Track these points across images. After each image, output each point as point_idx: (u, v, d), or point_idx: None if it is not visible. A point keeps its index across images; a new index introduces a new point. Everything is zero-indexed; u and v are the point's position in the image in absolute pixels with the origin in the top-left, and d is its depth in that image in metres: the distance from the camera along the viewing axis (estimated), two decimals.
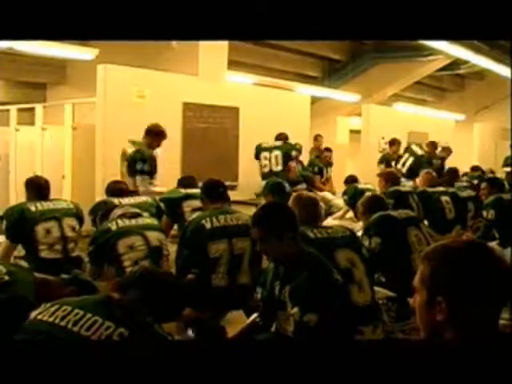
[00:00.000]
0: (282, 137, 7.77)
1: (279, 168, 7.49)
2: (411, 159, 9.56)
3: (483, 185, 6.37)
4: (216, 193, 3.99)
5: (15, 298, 2.33)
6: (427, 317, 1.44)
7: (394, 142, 9.71)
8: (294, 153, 7.54)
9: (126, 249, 3.58)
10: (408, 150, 9.78)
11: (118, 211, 3.85)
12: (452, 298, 1.39)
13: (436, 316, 1.41)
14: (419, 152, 9.61)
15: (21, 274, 2.53)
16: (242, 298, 3.63)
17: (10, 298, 2.32)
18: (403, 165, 9.38)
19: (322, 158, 9.41)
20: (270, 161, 7.55)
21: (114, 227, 3.66)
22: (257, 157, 7.56)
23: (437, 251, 1.48)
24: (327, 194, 8.41)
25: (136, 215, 3.82)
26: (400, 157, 9.58)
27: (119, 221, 3.71)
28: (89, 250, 3.74)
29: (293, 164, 7.47)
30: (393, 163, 9.38)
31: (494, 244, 5.05)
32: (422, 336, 1.48)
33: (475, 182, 7.69)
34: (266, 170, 7.49)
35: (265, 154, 7.60)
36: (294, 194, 3.80)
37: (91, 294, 2.25)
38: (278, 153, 7.55)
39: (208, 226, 3.73)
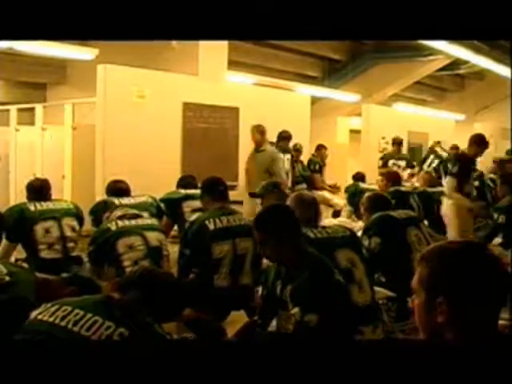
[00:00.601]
0: (280, 136, 7.76)
1: None
2: (436, 161, 9.87)
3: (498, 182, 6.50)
4: (217, 190, 3.96)
5: (16, 298, 2.33)
6: (426, 318, 1.44)
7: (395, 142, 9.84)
8: None
9: (126, 248, 3.58)
10: (432, 151, 10.22)
11: (117, 212, 3.85)
12: (452, 299, 1.39)
13: (436, 317, 1.40)
14: (444, 154, 9.94)
15: (22, 274, 2.53)
16: (244, 298, 3.63)
17: (11, 299, 2.32)
18: (429, 166, 9.81)
19: (322, 158, 9.38)
20: None
21: (113, 227, 3.66)
22: None
23: (434, 252, 1.47)
24: (327, 194, 8.43)
25: (136, 216, 3.83)
26: (426, 158, 10.12)
27: (119, 221, 3.72)
28: (89, 250, 3.74)
29: None
30: (391, 162, 9.52)
31: (495, 242, 5.05)
32: (421, 337, 1.47)
33: (476, 183, 7.71)
34: None
35: None
36: (294, 194, 3.79)
37: (92, 292, 2.25)
38: None
39: (211, 227, 3.71)
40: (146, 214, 4.07)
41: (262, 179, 5.48)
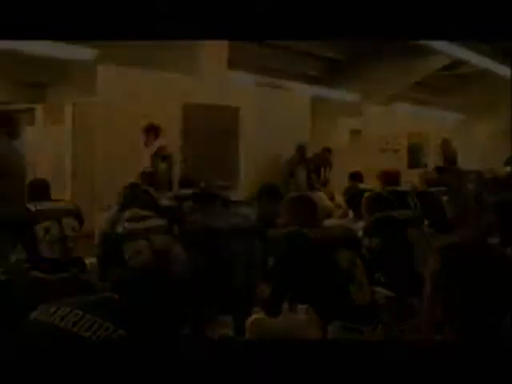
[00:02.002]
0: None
1: None
2: None
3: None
4: None
5: (10, 297, 2.33)
6: (429, 311, 1.43)
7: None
8: None
9: (132, 253, 3.58)
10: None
11: (126, 214, 3.83)
12: (451, 298, 1.38)
13: (435, 312, 1.40)
14: None
15: (18, 273, 2.53)
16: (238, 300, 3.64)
17: (5, 298, 2.31)
18: None
19: (320, 158, 9.35)
20: None
21: (120, 231, 3.66)
22: None
23: (448, 247, 1.46)
24: (321, 194, 8.40)
25: (144, 218, 3.81)
26: None
27: (126, 224, 3.71)
28: (97, 253, 3.75)
29: None
30: None
31: (493, 243, 5.06)
32: (424, 329, 1.47)
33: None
34: None
35: None
36: (292, 195, 3.77)
37: (89, 293, 2.24)
38: None
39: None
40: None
41: None
